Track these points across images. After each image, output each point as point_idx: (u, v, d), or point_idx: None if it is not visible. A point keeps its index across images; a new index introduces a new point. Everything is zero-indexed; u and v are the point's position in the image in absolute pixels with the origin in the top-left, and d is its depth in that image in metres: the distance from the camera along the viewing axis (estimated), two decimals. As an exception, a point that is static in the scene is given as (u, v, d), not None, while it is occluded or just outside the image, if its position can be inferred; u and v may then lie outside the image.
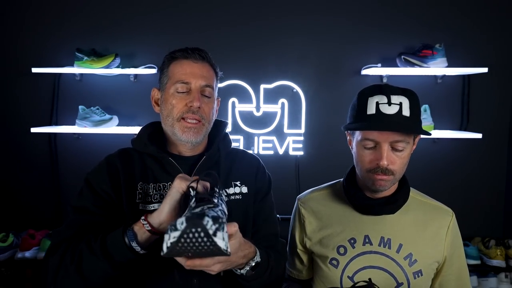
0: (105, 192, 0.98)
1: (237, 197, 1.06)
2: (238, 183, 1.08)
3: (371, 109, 0.95)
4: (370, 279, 0.87)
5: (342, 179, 1.14)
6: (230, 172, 1.09)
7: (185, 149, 1.06)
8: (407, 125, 0.94)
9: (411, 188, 1.09)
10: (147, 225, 0.82)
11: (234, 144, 2.37)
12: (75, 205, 0.98)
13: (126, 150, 1.08)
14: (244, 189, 1.07)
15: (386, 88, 0.96)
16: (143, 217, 0.84)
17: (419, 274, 1.01)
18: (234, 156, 1.14)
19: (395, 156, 0.95)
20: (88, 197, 0.98)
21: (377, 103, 0.95)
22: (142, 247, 0.84)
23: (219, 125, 1.16)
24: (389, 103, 0.94)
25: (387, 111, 0.94)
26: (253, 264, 0.88)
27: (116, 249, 0.84)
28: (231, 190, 1.07)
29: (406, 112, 0.94)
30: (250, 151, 1.16)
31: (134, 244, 0.83)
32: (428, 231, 1.04)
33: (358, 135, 0.99)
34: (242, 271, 0.88)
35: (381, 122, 0.94)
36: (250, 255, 0.88)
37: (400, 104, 0.94)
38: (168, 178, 1.01)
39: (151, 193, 1.00)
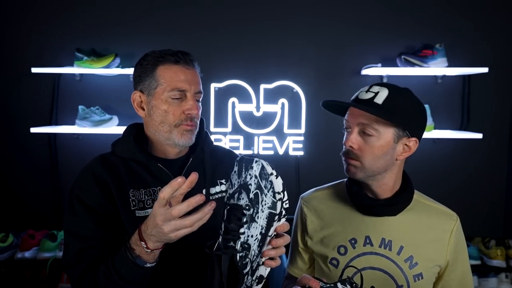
0: (100, 205, 0.95)
1: (223, 194, 1.08)
2: (223, 181, 1.10)
3: (353, 97, 1.02)
4: (348, 276, 0.87)
5: (346, 179, 1.13)
6: (215, 171, 1.10)
7: (172, 152, 1.05)
8: (368, 109, 0.93)
9: (416, 191, 1.07)
10: (148, 250, 0.82)
11: (234, 144, 2.38)
12: (72, 229, 0.95)
13: (106, 157, 1.03)
14: None
15: (376, 83, 1.00)
16: (143, 243, 0.81)
17: (420, 277, 1.00)
18: (216, 155, 1.15)
19: (364, 142, 0.96)
20: (85, 216, 0.94)
21: (360, 91, 1.00)
22: (152, 262, 0.85)
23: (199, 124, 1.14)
24: (367, 91, 0.98)
25: (362, 97, 0.97)
26: None
27: (133, 275, 0.84)
28: (217, 189, 1.09)
29: (379, 100, 0.95)
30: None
31: (147, 265, 0.84)
32: (431, 234, 1.03)
33: None
34: None
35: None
36: None
37: (376, 93, 0.96)
38: (157, 183, 1.01)
39: (143, 199, 0.99)
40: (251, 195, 0.77)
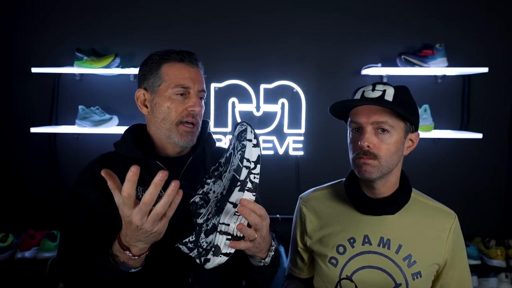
0: (97, 202, 0.96)
1: None
2: None
3: (357, 97, 1.02)
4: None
5: (344, 179, 1.14)
6: None
7: (173, 151, 1.05)
8: (392, 106, 0.95)
9: (413, 189, 1.08)
10: (135, 257, 0.82)
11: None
12: (69, 224, 0.95)
13: (108, 155, 1.05)
14: None
15: (377, 82, 1.01)
16: (127, 252, 0.80)
17: (418, 275, 1.00)
18: (219, 155, 1.14)
19: (379, 140, 0.97)
20: (81, 213, 0.95)
21: (363, 91, 1.01)
22: (139, 266, 0.85)
23: (202, 124, 1.14)
24: (373, 89, 1.00)
25: (370, 95, 0.99)
26: (273, 252, 0.93)
27: (118, 279, 0.84)
28: None
29: (389, 97, 0.97)
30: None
31: (132, 270, 0.84)
32: (429, 233, 1.03)
33: (349, 120, 1.03)
34: (267, 259, 0.92)
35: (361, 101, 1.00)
36: (270, 241, 0.93)
37: (384, 91, 0.98)
38: None
39: (140, 196, 0.98)
40: (227, 154, 0.82)
